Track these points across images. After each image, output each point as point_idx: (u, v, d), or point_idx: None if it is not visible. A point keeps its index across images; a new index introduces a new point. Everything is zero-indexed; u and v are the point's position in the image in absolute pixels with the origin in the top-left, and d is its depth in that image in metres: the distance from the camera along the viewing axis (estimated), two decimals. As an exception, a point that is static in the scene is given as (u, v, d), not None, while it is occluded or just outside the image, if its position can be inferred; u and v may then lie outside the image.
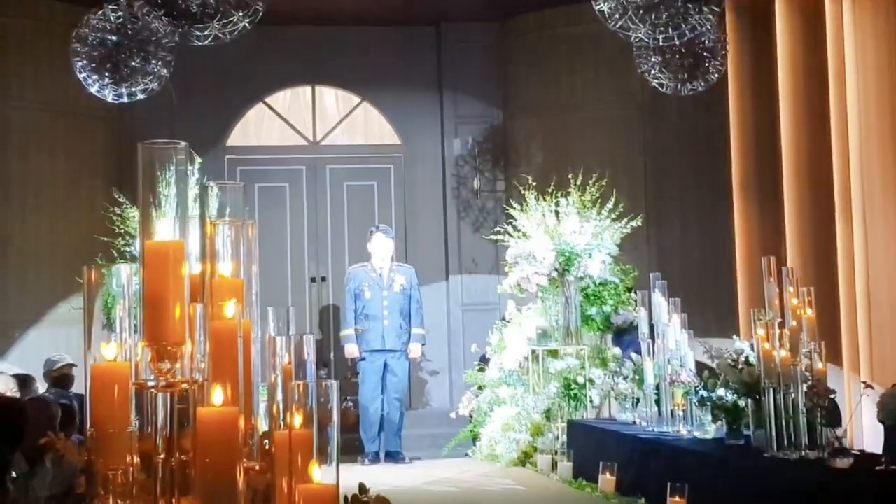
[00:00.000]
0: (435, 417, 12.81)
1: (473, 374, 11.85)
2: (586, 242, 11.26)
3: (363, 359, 11.60)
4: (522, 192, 11.66)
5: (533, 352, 11.20)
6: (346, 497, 3.45)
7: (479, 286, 13.71)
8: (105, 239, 11.37)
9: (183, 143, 2.62)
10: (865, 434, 8.87)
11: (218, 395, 2.41)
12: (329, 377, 13.02)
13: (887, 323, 9.61)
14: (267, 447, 2.78)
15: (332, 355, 13.20)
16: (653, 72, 10.57)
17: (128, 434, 2.52)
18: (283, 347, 3.07)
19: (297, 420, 2.66)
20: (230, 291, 2.68)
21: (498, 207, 13.51)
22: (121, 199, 11.32)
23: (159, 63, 8.98)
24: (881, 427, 7.19)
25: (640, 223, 11.52)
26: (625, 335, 11.23)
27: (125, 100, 9.00)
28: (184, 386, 2.44)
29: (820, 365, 7.19)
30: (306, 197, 13.74)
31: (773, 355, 7.15)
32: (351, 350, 11.63)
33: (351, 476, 3.46)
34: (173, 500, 2.48)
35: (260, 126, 13.86)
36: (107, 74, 8.78)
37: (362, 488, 3.57)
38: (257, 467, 2.75)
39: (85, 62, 9.30)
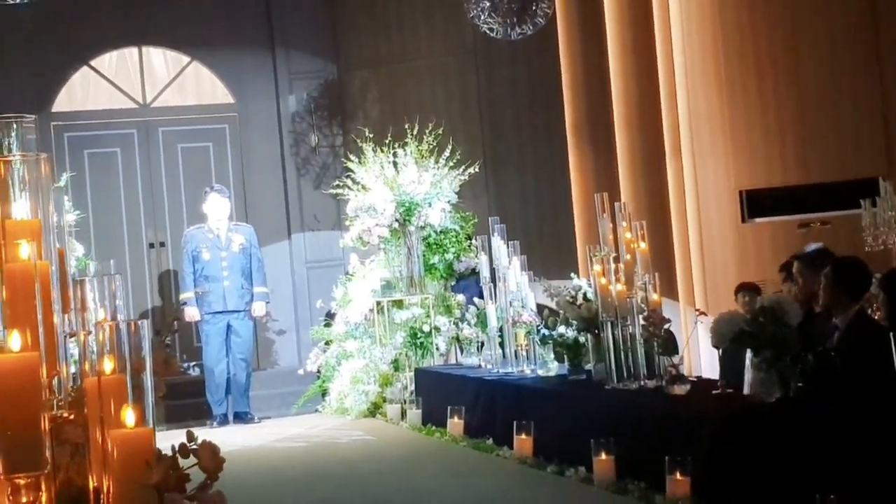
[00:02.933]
0: (283, 377, 12.73)
1: (320, 330, 11.78)
2: (425, 192, 11.27)
3: (206, 321, 11.42)
4: (360, 145, 11.60)
5: (378, 303, 11.18)
6: (173, 446, 3.36)
7: (322, 242, 13.62)
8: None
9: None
10: (703, 361, 9.09)
11: (15, 340, 2.30)
12: (173, 343, 12.86)
13: (718, 254, 9.85)
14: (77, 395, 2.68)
15: (174, 321, 12.97)
16: (482, 17, 10.58)
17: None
18: (95, 292, 2.96)
19: (108, 365, 2.57)
20: (26, 233, 2.57)
21: (337, 162, 13.41)
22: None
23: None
24: (717, 353, 7.34)
25: (477, 170, 11.56)
26: (468, 281, 11.29)
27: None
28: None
29: (655, 296, 7.30)
30: (139, 161, 13.43)
31: (610, 289, 7.25)
32: (191, 313, 11.44)
33: (200, 439, 3.37)
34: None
35: (86, 90, 13.47)
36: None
37: (190, 436, 3.48)
38: (65, 415, 2.66)
39: None
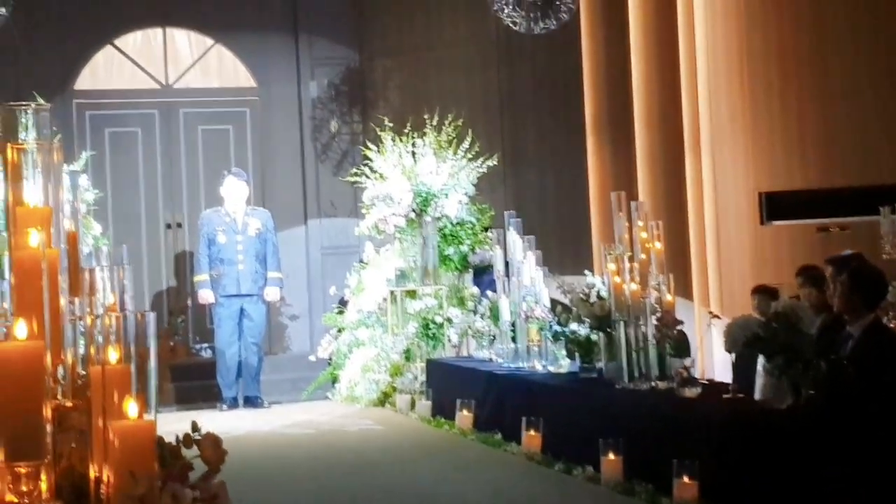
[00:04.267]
0: (295, 362, 12.72)
1: (332, 317, 11.79)
2: (443, 183, 11.25)
3: (219, 304, 11.42)
4: (379, 133, 11.58)
5: (391, 293, 11.18)
6: (177, 437, 3.36)
7: (338, 229, 13.60)
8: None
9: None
10: (717, 365, 9.05)
11: (21, 328, 2.29)
12: (186, 324, 12.88)
13: (735, 256, 9.80)
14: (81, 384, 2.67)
15: (189, 302, 12.99)
16: (506, 10, 10.54)
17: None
18: (105, 280, 2.96)
19: (113, 355, 2.56)
20: (36, 219, 2.56)
21: (356, 150, 13.37)
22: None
23: (-4, 1, 8.60)
24: (730, 357, 7.32)
25: (496, 162, 11.53)
26: (482, 274, 11.28)
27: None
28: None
29: (668, 297, 7.28)
30: (159, 142, 13.42)
31: (623, 288, 7.24)
32: (205, 296, 11.45)
33: (209, 422, 3.38)
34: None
35: (110, 69, 13.46)
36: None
37: (194, 426, 3.48)
38: (68, 404, 2.65)
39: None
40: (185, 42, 13.68)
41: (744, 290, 9.18)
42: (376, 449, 8.67)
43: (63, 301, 2.64)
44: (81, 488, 2.57)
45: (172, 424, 3.37)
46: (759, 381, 6.06)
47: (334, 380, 11.36)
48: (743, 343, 6.15)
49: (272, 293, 11.54)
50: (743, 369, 6.47)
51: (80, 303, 2.95)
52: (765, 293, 8.06)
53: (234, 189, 11.49)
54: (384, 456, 8.32)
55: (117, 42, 13.42)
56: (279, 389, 11.81)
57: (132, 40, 13.51)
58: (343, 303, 11.88)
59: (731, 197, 10.08)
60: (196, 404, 11.28)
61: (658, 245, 7.38)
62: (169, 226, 13.37)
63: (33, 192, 2.65)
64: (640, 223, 7.47)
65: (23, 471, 2.28)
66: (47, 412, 2.31)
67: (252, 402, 11.29)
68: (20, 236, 2.40)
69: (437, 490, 6.95)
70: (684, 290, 9.63)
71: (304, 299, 13.45)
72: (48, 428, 2.32)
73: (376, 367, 10.79)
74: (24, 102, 2.91)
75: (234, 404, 11.25)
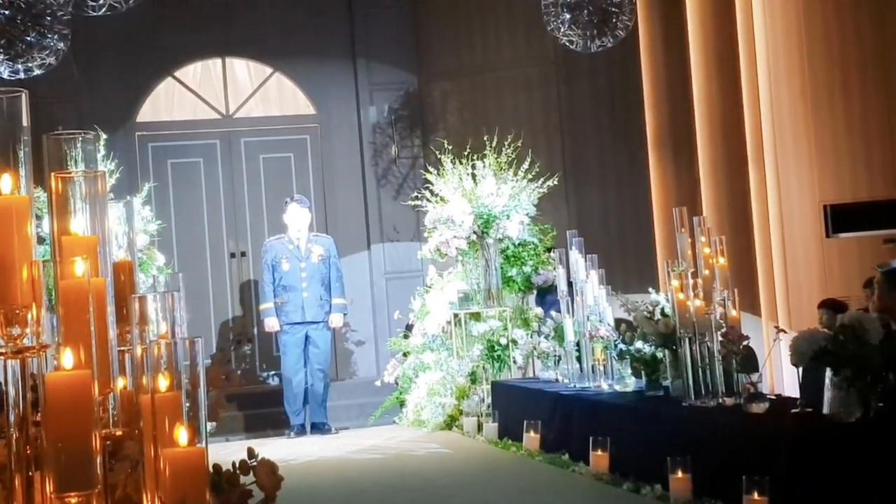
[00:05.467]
0: (361, 387, 12.72)
1: (397, 342, 11.78)
2: (504, 204, 11.23)
3: (285, 332, 11.46)
4: (439, 156, 11.59)
5: (455, 315, 11.15)
6: (233, 463, 3.35)
7: (401, 254, 13.62)
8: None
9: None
10: (785, 379, 8.92)
11: (68, 358, 2.30)
12: (252, 353, 12.94)
13: (801, 269, 9.66)
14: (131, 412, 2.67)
15: (255, 330, 13.06)
16: (562, 29, 10.51)
17: (-26, 404, 2.39)
18: (157, 307, 2.95)
19: (163, 383, 2.55)
20: (83, 249, 2.57)
21: (416, 173, 13.40)
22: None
23: (55, 36, 8.72)
24: (797, 371, 7.21)
25: (556, 182, 11.49)
26: (546, 294, 11.23)
27: (21, 76, 8.73)
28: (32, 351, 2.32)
29: (734, 312, 7.20)
30: (221, 171, 13.53)
31: (688, 305, 7.16)
32: (270, 324, 11.49)
33: (276, 449, 3.38)
34: (30, 474, 2.36)
35: (170, 100, 13.61)
36: (0, 51, 8.51)
37: (251, 453, 3.47)
38: (118, 433, 2.65)
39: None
40: (244, 71, 13.80)
41: (811, 304, 9.05)
42: (444, 472, 8.64)
43: (111, 331, 2.65)
44: (136, 517, 2.56)
45: (239, 453, 3.37)
46: (828, 394, 5.96)
47: (401, 404, 11.35)
48: (810, 357, 6.05)
49: (336, 320, 11.56)
50: (811, 383, 6.36)
51: (132, 332, 2.96)
52: (828, 307, 7.95)
53: (297, 216, 11.54)
54: (452, 479, 8.29)
55: (177, 73, 13.56)
56: (346, 415, 11.82)
57: (192, 71, 13.65)
58: (408, 327, 11.88)
59: (795, 210, 9.95)
60: (264, 432, 11.33)
61: (722, 260, 7.30)
62: (233, 255, 13.46)
63: (79, 222, 2.66)
64: (703, 238, 7.40)
65: (73, 501, 2.27)
66: (97, 441, 2.31)
67: (319, 428, 11.30)
68: (66, 266, 2.40)
69: (505, 513, 6.90)
70: (751, 305, 9.51)
71: (369, 324, 13.47)
72: (98, 458, 2.31)
73: (442, 390, 10.76)
74: (75, 131, 2.92)
75: (301, 431, 11.27)
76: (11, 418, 2.38)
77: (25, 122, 2.52)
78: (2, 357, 2.37)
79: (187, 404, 2.60)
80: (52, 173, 2.64)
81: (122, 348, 2.78)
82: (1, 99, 2.47)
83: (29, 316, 2.37)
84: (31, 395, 2.46)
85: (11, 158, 2.48)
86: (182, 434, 2.46)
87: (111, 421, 2.69)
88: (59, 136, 2.80)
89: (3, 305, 2.35)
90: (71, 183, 2.65)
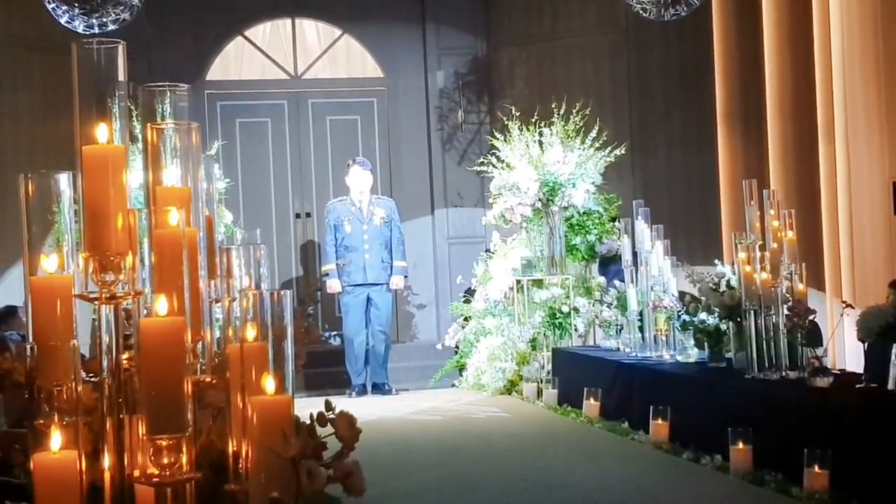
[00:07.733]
0: (422, 350, 12.82)
1: (459, 306, 11.85)
2: (570, 172, 11.22)
3: (346, 293, 11.56)
4: (506, 123, 11.60)
5: (518, 282, 11.19)
6: (311, 414, 3.41)
7: (465, 219, 13.65)
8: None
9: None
10: (848, 354, 8.88)
11: (162, 304, 2.36)
12: (315, 312, 13.06)
13: (869, 246, 9.59)
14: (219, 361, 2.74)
15: (318, 291, 13.17)
16: (635, -3, 10.45)
17: (70, 347, 2.46)
18: (241, 260, 3.02)
19: (251, 333, 2.61)
20: (175, 200, 2.63)
21: (482, 139, 13.41)
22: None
23: (131, -8, 8.82)
24: (862, 347, 7.18)
25: (624, 152, 11.46)
26: (609, 264, 11.23)
27: (96, 30, 8.83)
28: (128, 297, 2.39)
29: (800, 286, 7.17)
30: (289, 132, 13.63)
31: (754, 278, 7.13)
32: (332, 285, 11.59)
33: (338, 409, 3.43)
34: (121, 417, 2.43)
35: (240, 60, 13.71)
36: (76, 4, 8.62)
37: (328, 405, 3.53)
38: (208, 380, 2.71)
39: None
40: (313, 33, 13.86)
41: (877, 281, 8.99)
42: (503, 436, 8.70)
43: (202, 281, 2.71)
44: (220, 463, 2.63)
45: (302, 410, 3.43)
46: (893, 370, 5.94)
47: (461, 368, 11.42)
48: (877, 332, 6.03)
49: (397, 282, 11.64)
50: (876, 359, 6.34)
51: (217, 284, 3.03)
52: (898, 287, 7.88)
53: (359, 178, 11.61)
54: (511, 443, 8.34)
55: (247, 33, 13.65)
56: (407, 377, 11.91)
57: (262, 31, 13.73)
58: (470, 292, 11.94)
59: (864, 186, 9.86)
60: (325, 391, 11.43)
61: (790, 234, 7.27)
62: (298, 215, 13.57)
63: (172, 173, 2.72)
64: (772, 212, 7.36)
65: (164, 444, 2.34)
66: (188, 387, 2.37)
67: (380, 388, 11.41)
68: (160, 215, 2.46)
69: (565, 478, 6.94)
70: (816, 280, 9.45)
71: (431, 288, 13.54)
72: (189, 403, 2.37)
73: (503, 355, 10.82)
74: (162, 83, 2.98)
75: (362, 391, 11.38)
76: (104, 363, 2.45)
77: (122, 75, 2.57)
78: (97, 303, 2.43)
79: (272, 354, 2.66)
80: (148, 124, 2.70)
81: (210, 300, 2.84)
82: (99, 49, 2.52)
83: (123, 263, 2.43)
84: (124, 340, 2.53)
85: (108, 109, 2.53)
86: (269, 383, 2.51)
87: (199, 369, 2.75)
88: (152, 88, 2.86)
89: (98, 252, 2.42)
90: (165, 134, 2.71)
